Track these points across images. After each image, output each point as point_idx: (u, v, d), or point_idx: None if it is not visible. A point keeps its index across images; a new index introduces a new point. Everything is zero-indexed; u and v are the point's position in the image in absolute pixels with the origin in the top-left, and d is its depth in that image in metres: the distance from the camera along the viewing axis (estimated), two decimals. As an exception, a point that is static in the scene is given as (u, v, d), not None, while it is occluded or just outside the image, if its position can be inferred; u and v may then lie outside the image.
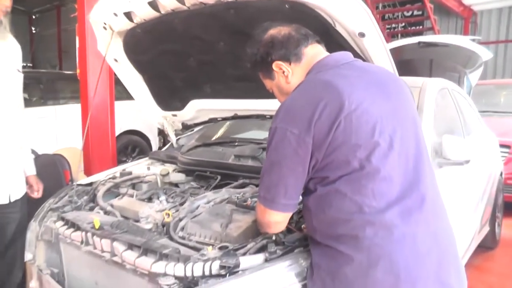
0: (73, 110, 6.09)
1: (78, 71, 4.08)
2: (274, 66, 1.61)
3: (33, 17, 24.99)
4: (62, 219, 2.12)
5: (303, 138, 1.38)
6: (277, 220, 1.54)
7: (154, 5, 2.22)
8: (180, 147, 3.11)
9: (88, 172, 3.55)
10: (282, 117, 1.45)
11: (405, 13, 11.42)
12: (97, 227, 1.89)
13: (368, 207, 1.37)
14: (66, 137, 6.04)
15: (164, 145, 7.42)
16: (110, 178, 2.60)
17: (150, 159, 3.04)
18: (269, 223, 1.56)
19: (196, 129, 3.20)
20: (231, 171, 2.47)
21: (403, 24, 11.63)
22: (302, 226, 1.73)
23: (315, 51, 1.61)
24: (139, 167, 2.88)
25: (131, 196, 2.32)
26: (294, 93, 1.51)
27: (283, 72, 1.61)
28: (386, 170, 1.39)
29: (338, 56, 1.59)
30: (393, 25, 11.87)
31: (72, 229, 2.00)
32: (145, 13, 2.31)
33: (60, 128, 6.27)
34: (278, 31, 1.62)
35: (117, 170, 2.82)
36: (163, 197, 2.18)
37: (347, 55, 1.61)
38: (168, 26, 2.33)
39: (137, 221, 2.04)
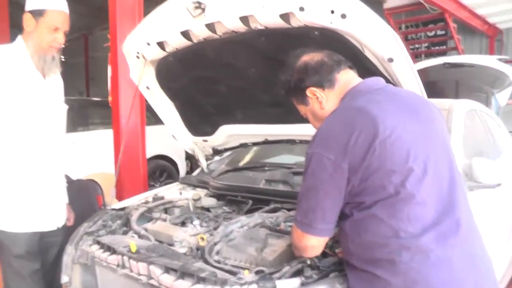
0: (101, 135, 6.22)
1: (110, 98, 4.20)
2: (308, 92, 1.65)
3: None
4: (98, 242, 2.17)
5: (339, 163, 1.41)
6: (313, 244, 1.55)
7: (186, 35, 2.30)
8: (211, 172, 3.15)
9: (119, 196, 3.61)
10: (318, 143, 1.48)
11: (428, 33, 11.38)
12: (133, 250, 1.93)
13: (404, 232, 1.38)
14: (95, 162, 6.17)
15: (191, 169, 7.50)
16: (142, 203, 2.66)
17: (182, 184, 3.09)
18: (306, 247, 1.57)
19: (225, 154, 3.25)
20: (263, 195, 2.50)
21: (427, 44, 11.58)
22: (337, 250, 1.74)
23: (348, 77, 1.64)
24: (170, 191, 2.93)
25: (164, 220, 2.36)
26: (329, 120, 1.54)
27: (317, 98, 1.64)
28: (420, 195, 1.40)
29: (371, 82, 1.62)
30: (416, 46, 11.84)
31: (108, 253, 2.05)
32: (177, 42, 2.38)
33: (89, 153, 6.40)
34: (311, 57, 1.66)
35: (149, 195, 2.87)
36: (196, 222, 2.22)
37: (379, 80, 1.65)
38: (199, 54, 2.41)
39: (171, 245, 2.07)
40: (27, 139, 2.21)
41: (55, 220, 2.36)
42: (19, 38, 2.25)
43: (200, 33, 2.25)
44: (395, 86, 1.79)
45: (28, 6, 2.20)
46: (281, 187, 2.58)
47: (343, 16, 1.81)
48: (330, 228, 1.51)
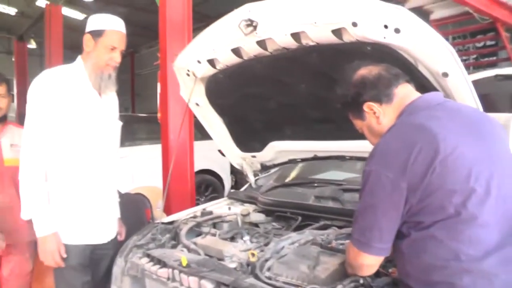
0: (147, 150, 6.37)
1: (159, 114, 4.31)
2: (365, 107, 1.62)
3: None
4: (148, 255, 2.20)
5: (397, 182, 1.38)
6: (370, 263, 1.52)
7: (237, 52, 2.34)
8: (259, 188, 3.16)
9: (168, 210, 3.68)
10: (377, 160, 1.46)
11: (477, 44, 11.05)
12: (184, 264, 1.95)
13: (464, 254, 1.33)
14: (142, 176, 6.30)
15: (236, 184, 7.53)
16: (191, 217, 2.68)
17: (230, 199, 3.11)
18: (362, 266, 1.54)
19: (273, 169, 3.25)
20: (312, 212, 2.47)
21: (475, 56, 11.23)
22: (390, 270, 1.69)
23: (406, 91, 1.61)
24: (219, 206, 2.95)
25: (214, 235, 2.37)
26: (388, 136, 1.51)
27: (374, 113, 1.61)
28: (483, 217, 1.35)
29: (429, 97, 1.58)
30: (464, 58, 11.51)
31: (158, 266, 2.08)
32: (228, 59, 2.42)
33: (136, 168, 6.55)
34: (369, 71, 1.63)
35: (197, 209, 2.90)
36: (247, 237, 2.22)
37: (438, 95, 1.61)
38: (250, 70, 2.44)
39: (221, 260, 2.07)
40: (83, 155, 2.29)
41: (107, 233, 2.42)
42: (79, 58, 2.36)
43: (251, 50, 2.28)
44: (454, 101, 1.74)
45: (88, 28, 2.30)
46: (330, 204, 2.54)
47: (397, 30, 1.78)
48: (387, 247, 1.48)
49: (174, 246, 2.36)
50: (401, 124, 1.53)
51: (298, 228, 2.36)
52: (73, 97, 2.26)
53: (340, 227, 2.25)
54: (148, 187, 4.95)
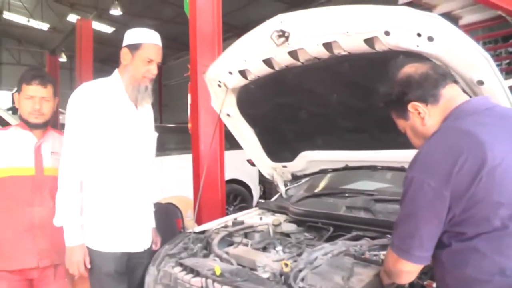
0: (176, 160, 6.44)
1: (190, 125, 4.37)
2: (409, 107, 1.55)
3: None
4: (181, 264, 2.22)
5: (440, 191, 1.34)
6: (409, 270, 1.49)
7: (268, 63, 2.36)
8: (289, 198, 3.15)
9: (198, 220, 3.71)
10: (419, 167, 1.42)
11: (510, 49, 10.77)
12: (218, 274, 1.96)
13: (511, 270, 1.29)
14: (170, 186, 6.36)
15: (264, 193, 7.53)
16: (222, 227, 2.70)
17: (261, 209, 3.11)
18: (401, 273, 1.52)
19: (303, 179, 3.24)
20: (343, 222, 2.45)
21: (508, 61, 10.94)
22: (425, 282, 1.66)
23: (453, 93, 1.54)
24: (249, 216, 2.96)
25: (246, 245, 2.37)
26: (432, 142, 1.46)
27: (419, 113, 1.54)
28: None
29: (478, 102, 1.54)
30: (496, 63, 11.20)
31: (191, 275, 2.09)
32: (259, 70, 2.45)
33: (165, 178, 6.61)
34: (415, 69, 1.56)
35: (228, 219, 2.91)
36: (279, 247, 2.22)
37: (487, 100, 1.54)
38: (281, 81, 2.45)
39: (254, 269, 2.07)
40: (120, 165, 2.35)
41: (142, 242, 2.46)
42: (115, 71, 2.42)
43: (283, 60, 2.30)
44: (504, 107, 1.66)
45: (125, 42, 2.36)
46: (362, 215, 2.52)
47: (430, 38, 1.77)
48: (427, 255, 1.45)
49: (206, 256, 2.37)
50: (447, 129, 1.47)
51: (330, 239, 2.34)
52: (111, 109, 2.32)
53: (372, 238, 2.22)
54: (177, 197, 4.99)
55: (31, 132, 2.47)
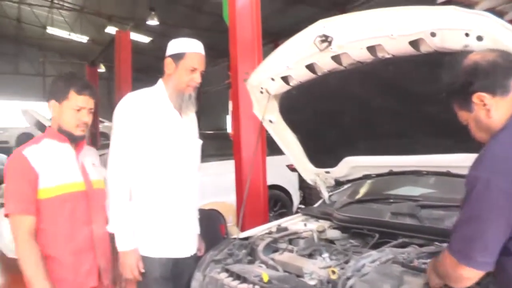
0: (215, 167, 6.48)
1: (232, 132, 4.41)
2: (474, 98, 1.44)
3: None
4: (227, 270, 2.23)
5: (510, 193, 1.26)
6: (469, 276, 1.40)
7: (311, 68, 2.35)
8: (332, 204, 3.11)
9: (242, 226, 3.72)
10: (487, 166, 1.33)
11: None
12: (266, 280, 1.96)
13: None
14: (210, 192, 6.40)
15: (304, 199, 7.47)
16: (266, 233, 2.69)
17: (304, 215, 3.09)
18: (460, 278, 1.43)
19: (346, 185, 3.20)
20: (389, 229, 2.39)
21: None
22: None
23: None
24: (293, 222, 2.94)
25: (291, 251, 2.36)
26: (502, 139, 1.37)
27: (485, 105, 1.43)
28: None
29: None
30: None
31: (238, 281, 2.10)
32: (302, 75, 2.44)
33: (204, 184, 6.65)
34: (482, 56, 1.45)
35: (271, 225, 2.91)
36: (326, 254, 2.19)
37: None
38: (323, 86, 2.44)
39: (300, 276, 2.06)
40: (166, 173, 2.39)
41: (188, 248, 2.49)
42: (160, 81, 2.47)
43: (326, 65, 2.29)
44: None
45: (169, 52, 2.41)
46: (408, 221, 2.45)
47: (480, 38, 1.71)
48: (490, 261, 1.35)
49: (250, 262, 2.38)
50: None
51: (375, 246, 2.30)
52: (156, 118, 2.37)
53: (419, 245, 2.16)
54: (218, 203, 5.03)
55: (69, 144, 2.24)
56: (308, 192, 7.39)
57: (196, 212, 2.60)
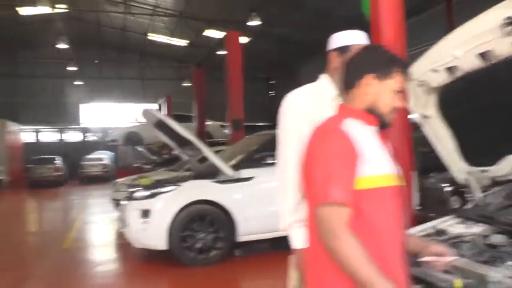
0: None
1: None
2: None
3: (269, 82, 28.50)
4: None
5: None
6: None
7: (485, 56, 2.14)
8: (486, 205, 2.86)
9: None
10: None
11: None
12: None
13: None
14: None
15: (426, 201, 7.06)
16: (424, 235, 2.53)
17: (459, 217, 2.87)
18: None
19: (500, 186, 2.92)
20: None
21: None
22: None
23: None
24: (448, 224, 2.74)
25: (462, 256, 2.18)
26: None
27: None
28: None
29: None
30: None
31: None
32: (469, 65, 2.25)
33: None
34: None
35: (425, 227, 2.72)
36: (510, 262, 1.99)
37: None
38: (491, 76, 2.25)
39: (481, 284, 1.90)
40: None
41: None
42: (322, 76, 2.39)
43: (504, 52, 2.07)
44: None
45: (333, 45, 2.32)
46: None
47: None
48: None
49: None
50: None
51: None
52: (326, 113, 2.29)
53: None
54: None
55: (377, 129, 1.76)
56: (427, 193, 6.98)
57: None
